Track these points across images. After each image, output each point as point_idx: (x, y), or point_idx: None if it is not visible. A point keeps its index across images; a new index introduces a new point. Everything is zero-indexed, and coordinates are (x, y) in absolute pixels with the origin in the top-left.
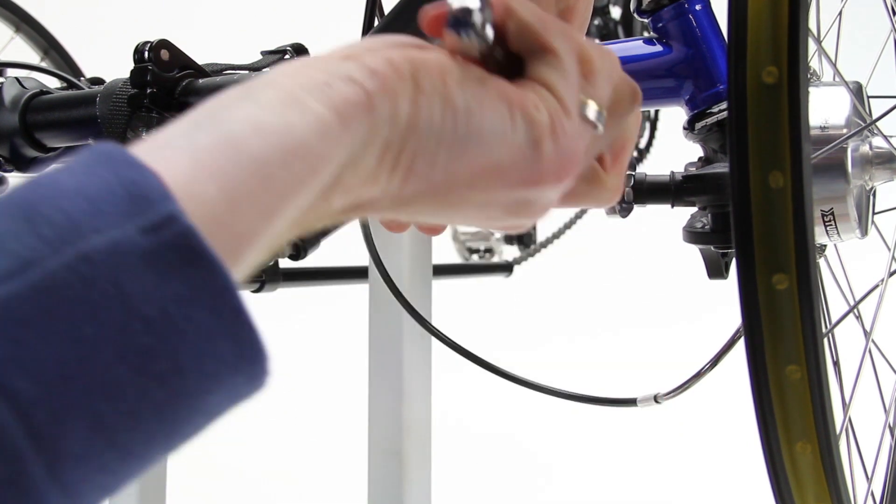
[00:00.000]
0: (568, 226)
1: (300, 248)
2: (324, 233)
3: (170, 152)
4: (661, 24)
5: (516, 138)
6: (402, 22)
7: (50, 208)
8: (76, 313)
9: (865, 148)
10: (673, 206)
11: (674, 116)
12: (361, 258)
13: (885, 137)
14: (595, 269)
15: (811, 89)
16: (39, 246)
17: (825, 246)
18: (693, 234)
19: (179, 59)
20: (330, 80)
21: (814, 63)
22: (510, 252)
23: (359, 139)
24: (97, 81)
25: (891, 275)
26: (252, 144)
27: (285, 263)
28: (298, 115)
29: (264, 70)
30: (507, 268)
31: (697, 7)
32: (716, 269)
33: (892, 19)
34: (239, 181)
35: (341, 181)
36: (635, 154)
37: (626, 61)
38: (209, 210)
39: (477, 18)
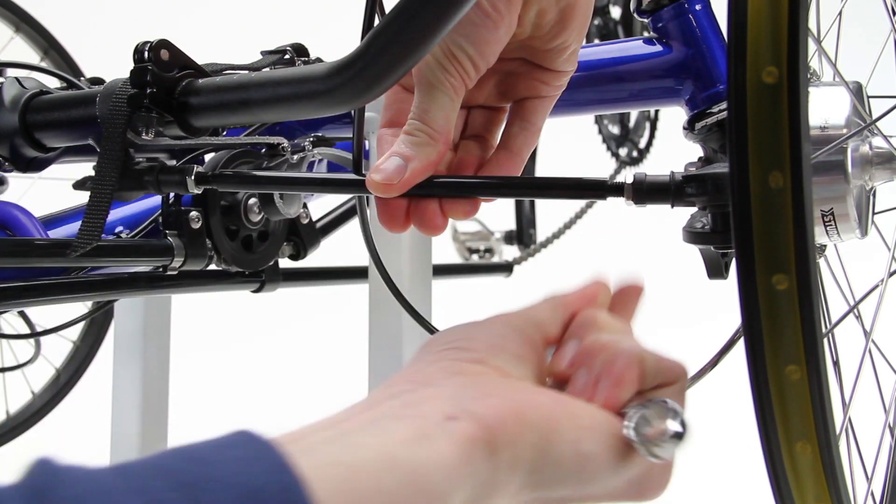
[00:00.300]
0: (568, 226)
1: (300, 248)
2: (324, 232)
3: (318, 468)
4: (661, 24)
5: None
6: (402, 21)
7: (213, 497)
8: None
9: (865, 148)
10: (673, 206)
11: (674, 116)
12: (361, 258)
13: (885, 137)
14: (595, 268)
15: (811, 89)
16: None
17: (825, 246)
18: (693, 235)
19: (179, 59)
20: (454, 417)
21: (814, 63)
22: (510, 252)
23: (481, 485)
24: (97, 81)
25: (891, 275)
26: (387, 481)
27: (285, 263)
28: (429, 452)
29: (264, 69)
30: (507, 268)
31: (697, 7)
32: (716, 270)
33: (892, 19)
34: None
35: None
36: (635, 154)
37: (626, 61)
38: None
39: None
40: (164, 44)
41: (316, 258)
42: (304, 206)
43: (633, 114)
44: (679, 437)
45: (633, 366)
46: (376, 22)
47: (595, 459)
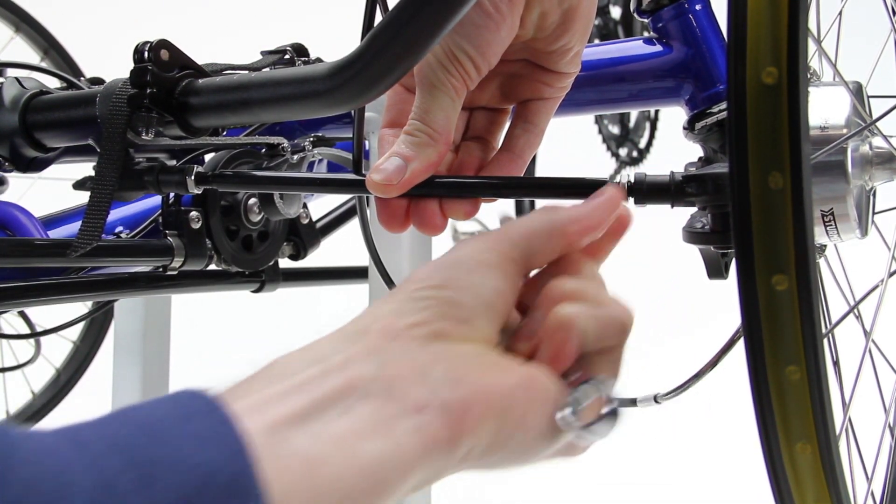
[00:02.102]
0: None
1: (300, 248)
2: (324, 232)
3: (279, 458)
4: (661, 24)
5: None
6: (402, 21)
7: (166, 479)
8: None
9: (865, 148)
10: (673, 207)
11: (674, 116)
12: (361, 258)
13: (885, 137)
14: None
15: (811, 89)
16: None
17: (825, 246)
18: (693, 234)
19: (179, 59)
20: (423, 414)
21: (814, 63)
22: None
23: (433, 471)
24: (97, 81)
25: (891, 275)
26: (347, 476)
27: (285, 263)
28: (391, 447)
29: (264, 69)
30: None
31: (697, 7)
32: (716, 270)
33: (892, 19)
34: None
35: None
36: (635, 154)
37: (626, 61)
38: None
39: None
40: (163, 44)
41: (316, 258)
42: (304, 206)
43: (633, 114)
44: (612, 419)
45: (572, 341)
46: (376, 22)
47: (539, 439)
